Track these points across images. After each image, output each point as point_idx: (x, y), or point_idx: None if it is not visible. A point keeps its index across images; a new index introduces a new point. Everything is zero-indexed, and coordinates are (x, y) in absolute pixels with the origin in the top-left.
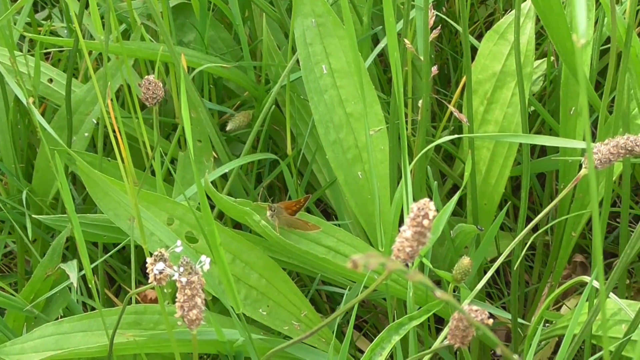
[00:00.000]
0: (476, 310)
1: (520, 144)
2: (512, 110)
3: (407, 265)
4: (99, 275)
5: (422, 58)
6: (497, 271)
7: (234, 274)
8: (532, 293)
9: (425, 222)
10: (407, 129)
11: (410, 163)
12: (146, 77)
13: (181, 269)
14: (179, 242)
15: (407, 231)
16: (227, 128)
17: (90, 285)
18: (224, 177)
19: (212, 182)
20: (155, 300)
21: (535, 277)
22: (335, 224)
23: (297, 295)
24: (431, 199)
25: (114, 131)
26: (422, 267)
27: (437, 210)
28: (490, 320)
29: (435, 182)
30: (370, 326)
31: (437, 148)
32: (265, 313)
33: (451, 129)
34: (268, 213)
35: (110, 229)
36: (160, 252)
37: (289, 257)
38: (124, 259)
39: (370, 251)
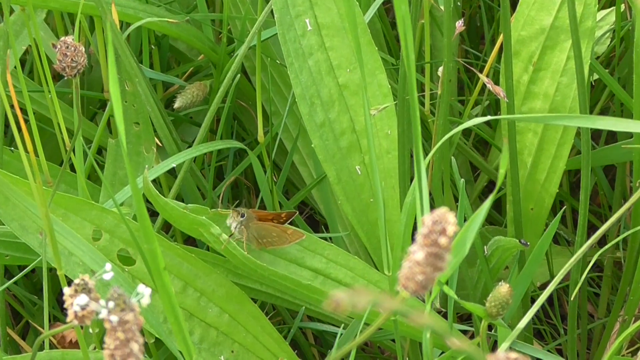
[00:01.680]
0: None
1: (579, 127)
2: (567, 80)
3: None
4: None
5: (442, 8)
6: (549, 301)
7: (185, 308)
8: (599, 330)
9: (443, 241)
10: (423, 107)
11: (427, 153)
12: (63, 38)
13: (111, 304)
14: (108, 266)
15: (418, 253)
16: (176, 105)
17: None
18: (172, 173)
19: (154, 181)
20: (77, 344)
21: (602, 309)
22: (324, 237)
23: (273, 337)
24: (456, 203)
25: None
26: (444, 297)
27: (465, 219)
28: None
29: (463, 179)
30: None
31: (467, 132)
32: None
33: (485, 105)
34: (232, 222)
35: (15, 246)
36: (83, 279)
37: (261, 283)
38: (34, 286)
39: (372, 274)
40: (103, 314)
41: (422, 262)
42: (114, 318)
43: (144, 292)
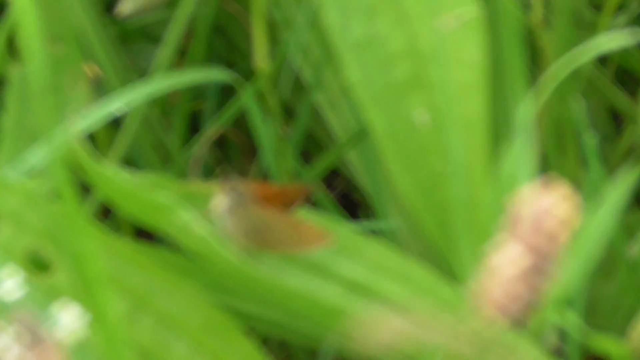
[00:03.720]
0: None
1: None
2: None
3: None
4: None
5: None
6: None
7: (139, 342)
8: None
9: (557, 244)
10: (529, 14)
11: (534, 92)
12: None
13: (13, 335)
14: (7, 272)
15: (510, 256)
16: (122, 8)
17: None
18: (117, 122)
19: (87, 135)
20: None
21: None
22: (367, 229)
23: None
24: (585, 174)
25: None
26: (562, 329)
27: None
28: None
29: (598, 135)
30: None
31: (604, 59)
32: None
33: (635, 12)
34: (218, 203)
35: None
36: None
37: (261, 305)
38: None
39: (443, 289)
40: (6, 351)
41: (527, 273)
42: (18, 356)
43: (67, 314)
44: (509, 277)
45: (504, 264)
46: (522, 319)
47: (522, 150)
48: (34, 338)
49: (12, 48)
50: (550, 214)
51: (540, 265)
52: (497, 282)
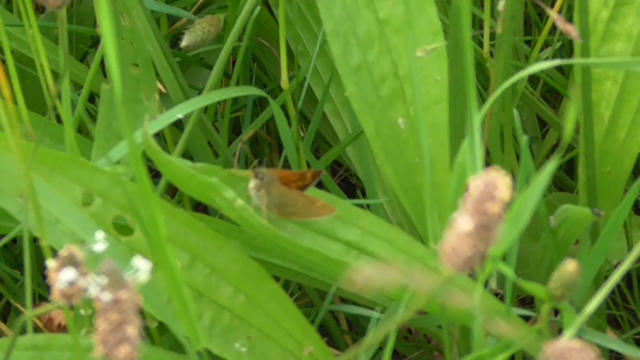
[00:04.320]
0: (578, 350)
1: None
2: None
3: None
4: None
5: None
6: (628, 283)
7: (193, 286)
8: None
9: (495, 209)
10: (481, 48)
11: (482, 104)
12: None
13: (102, 280)
14: (99, 235)
15: (465, 222)
16: (183, 43)
17: None
18: (179, 126)
19: (157, 135)
20: (66, 328)
21: None
22: (361, 204)
23: (298, 321)
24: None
25: None
26: (502, 277)
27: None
28: None
29: (528, 136)
30: None
31: (535, 80)
32: (244, 349)
33: (556, 47)
34: (251, 184)
35: None
36: (70, 251)
37: (284, 258)
38: (15, 259)
39: (416, 248)
40: (93, 291)
41: (471, 233)
42: (106, 296)
43: (142, 266)
44: (459, 238)
45: (458, 230)
46: (471, 268)
47: (473, 147)
48: (117, 281)
49: (104, 70)
50: (490, 192)
51: (483, 230)
52: (453, 242)
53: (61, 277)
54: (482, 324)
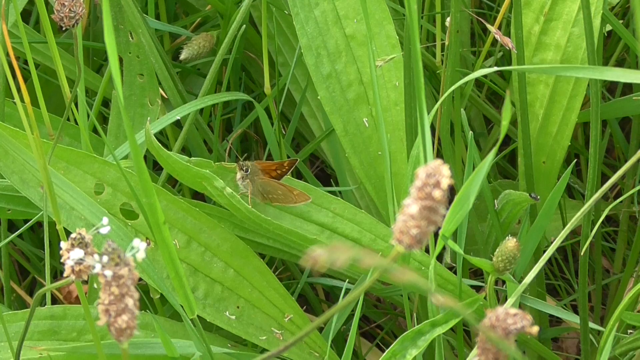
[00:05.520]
0: (514, 315)
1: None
2: (578, 31)
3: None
4: (1, 263)
5: None
6: (565, 257)
7: (189, 262)
8: (615, 286)
9: (437, 194)
10: (435, 58)
11: (433, 105)
12: None
13: (105, 259)
14: (105, 220)
15: (412, 206)
16: (182, 56)
17: None
18: (180, 126)
19: (161, 134)
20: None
21: (618, 265)
22: (333, 191)
23: (279, 292)
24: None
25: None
26: (454, 255)
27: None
28: (535, 329)
29: (472, 132)
30: (386, 334)
31: (480, 85)
32: (233, 317)
33: (498, 56)
34: (238, 175)
35: (17, 200)
36: (80, 233)
37: (267, 238)
38: (40, 241)
39: (380, 229)
40: (97, 268)
41: (416, 215)
42: (108, 272)
43: (139, 246)
44: (409, 220)
45: (406, 212)
46: (418, 245)
47: (424, 142)
48: (118, 259)
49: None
50: (433, 180)
51: (427, 212)
52: (402, 223)
53: (71, 256)
54: (430, 295)
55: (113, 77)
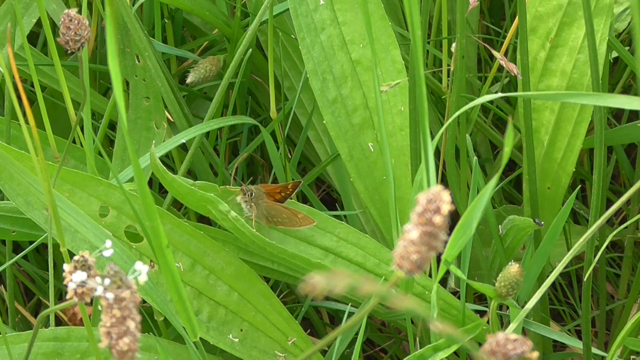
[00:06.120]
0: (514, 340)
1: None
2: (584, 57)
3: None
4: (6, 285)
5: None
6: (569, 282)
7: (193, 285)
8: (619, 312)
9: (437, 220)
10: (441, 83)
11: (437, 130)
12: (66, 11)
13: (107, 281)
14: (108, 242)
15: (412, 231)
16: (188, 80)
17: None
18: (184, 149)
19: (168, 158)
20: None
21: (622, 290)
22: (338, 215)
23: (283, 315)
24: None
25: (21, 84)
26: (458, 280)
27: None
28: (535, 354)
29: (477, 157)
30: (390, 358)
31: (486, 110)
32: (237, 340)
33: (504, 82)
34: (240, 198)
35: (22, 222)
36: (82, 256)
37: (272, 261)
38: (45, 262)
39: (383, 253)
40: (99, 291)
41: (417, 241)
42: (110, 295)
43: (141, 269)
44: (409, 245)
45: (407, 237)
46: (418, 270)
47: (427, 167)
48: (120, 282)
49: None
50: (433, 205)
51: (428, 237)
52: (403, 248)
53: (74, 278)
54: (430, 321)
55: (117, 101)
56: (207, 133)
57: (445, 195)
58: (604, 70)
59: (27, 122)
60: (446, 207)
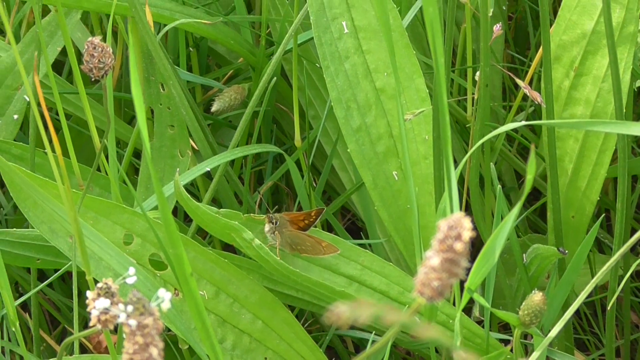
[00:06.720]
0: None
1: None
2: (608, 86)
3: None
4: (31, 312)
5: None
6: (594, 312)
7: (218, 313)
8: None
9: (458, 246)
10: (465, 112)
11: (461, 158)
12: (90, 39)
13: (130, 308)
14: (131, 270)
15: (433, 258)
16: (213, 109)
17: (13, 328)
18: (209, 177)
19: (192, 186)
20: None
21: None
22: (363, 244)
23: (307, 344)
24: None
25: (47, 112)
26: (482, 308)
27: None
28: None
29: (500, 185)
30: None
31: (511, 139)
32: None
33: (529, 111)
34: (266, 227)
35: (46, 250)
36: (106, 283)
37: (296, 290)
38: (70, 291)
39: (408, 281)
40: (122, 317)
41: (438, 267)
42: (133, 322)
43: (164, 296)
44: (430, 272)
45: (428, 264)
46: (440, 297)
47: (450, 195)
48: (143, 309)
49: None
50: (454, 234)
51: (449, 264)
52: (424, 275)
53: (97, 305)
54: (453, 350)
55: (140, 129)
56: (232, 161)
57: (466, 222)
58: (628, 99)
59: (53, 150)
60: (467, 234)
